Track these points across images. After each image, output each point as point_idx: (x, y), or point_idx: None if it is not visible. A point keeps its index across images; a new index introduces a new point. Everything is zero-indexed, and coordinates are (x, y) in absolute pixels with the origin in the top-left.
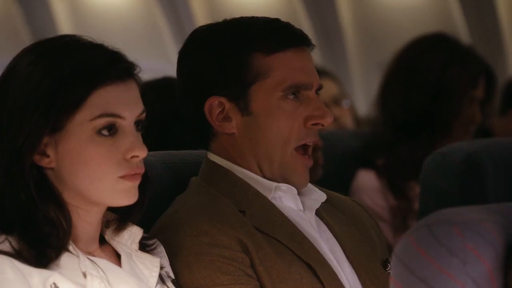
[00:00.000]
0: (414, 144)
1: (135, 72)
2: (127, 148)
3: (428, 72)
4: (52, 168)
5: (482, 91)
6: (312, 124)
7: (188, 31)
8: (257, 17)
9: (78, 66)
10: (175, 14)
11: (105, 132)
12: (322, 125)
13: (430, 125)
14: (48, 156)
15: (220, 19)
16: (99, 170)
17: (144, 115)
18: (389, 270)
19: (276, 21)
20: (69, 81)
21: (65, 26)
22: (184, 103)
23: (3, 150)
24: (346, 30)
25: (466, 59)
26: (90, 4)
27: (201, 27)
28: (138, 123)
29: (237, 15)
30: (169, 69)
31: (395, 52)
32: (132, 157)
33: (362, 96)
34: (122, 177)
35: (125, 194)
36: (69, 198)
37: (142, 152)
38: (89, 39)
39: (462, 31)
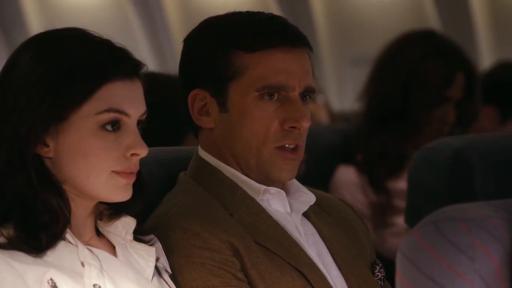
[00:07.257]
0: (384, 139)
1: (142, 71)
2: (128, 145)
3: (404, 66)
4: (49, 158)
5: (459, 91)
6: (290, 127)
7: (159, 27)
8: (252, 14)
9: (88, 59)
10: (146, 8)
11: (109, 127)
12: (299, 129)
13: (400, 121)
14: (47, 145)
15: (192, 14)
16: (96, 164)
17: (145, 116)
18: (377, 272)
19: (271, 18)
20: (79, 73)
21: (34, 20)
22: (180, 91)
23: (3, 139)
24: (319, 25)
25: (443, 55)
26: None
27: (208, 18)
28: (138, 123)
29: (208, 9)
30: None
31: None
32: (132, 155)
33: (335, 92)
34: (116, 172)
35: (119, 191)
36: (66, 188)
37: (143, 151)
38: (96, 34)
39: (435, 26)
